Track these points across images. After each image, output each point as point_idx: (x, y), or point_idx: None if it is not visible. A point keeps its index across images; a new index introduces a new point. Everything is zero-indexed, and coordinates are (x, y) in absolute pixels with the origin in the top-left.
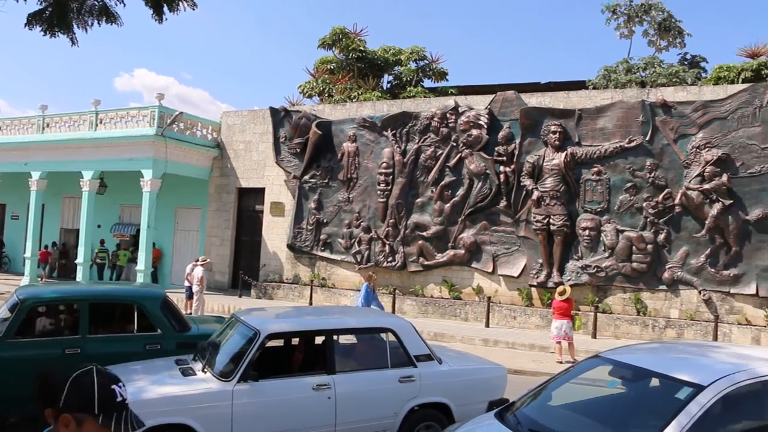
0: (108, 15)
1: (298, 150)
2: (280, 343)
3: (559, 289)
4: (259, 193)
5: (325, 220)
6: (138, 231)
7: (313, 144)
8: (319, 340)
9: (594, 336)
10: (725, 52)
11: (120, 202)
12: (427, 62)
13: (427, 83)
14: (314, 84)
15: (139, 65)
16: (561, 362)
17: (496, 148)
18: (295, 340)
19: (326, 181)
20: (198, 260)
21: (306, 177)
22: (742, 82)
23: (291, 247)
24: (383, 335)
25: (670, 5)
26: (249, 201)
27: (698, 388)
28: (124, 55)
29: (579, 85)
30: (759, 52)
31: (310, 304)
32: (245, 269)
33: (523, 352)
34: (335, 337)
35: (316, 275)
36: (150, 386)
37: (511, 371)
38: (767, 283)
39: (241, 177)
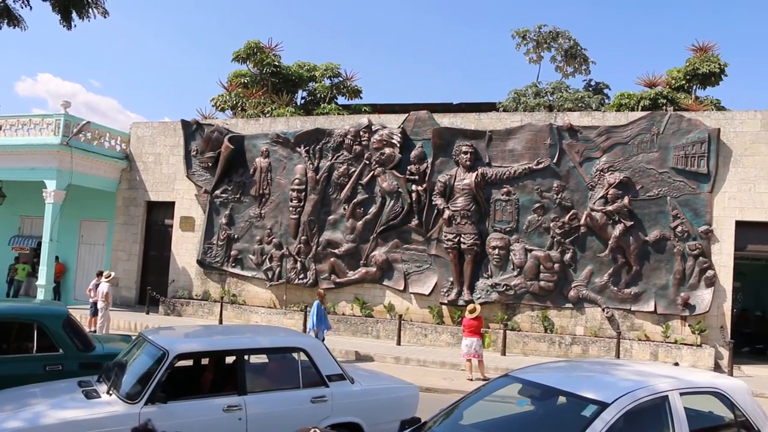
0: (10, 17)
1: (210, 164)
2: (189, 363)
3: (470, 307)
4: (169, 207)
5: (236, 236)
6: (39, 244)
7: (225, 158)
8: (229, 359)
9: (503, 353)
10: (626, 80)
11: (20, 213)
12: (341, 79)
13: (341, 100)
14: (227, 98)
15: (43, 70)
16: (471, 380)
17: (409, 167)
18: (205, 360)
19: (238, 196)
20: (101, 274)
21: (217, 192)
22: (641, 110)
23: (201, 262)
24: (295, 355)
25: (576, 34)
26: (158, 215)
27: (603, 406)
28: (28, 59)
29: (490, 107)
30: (656, 82)
31: (220, 321)
32: (153, 285)
33: (434, 369)
34: (246, 357)
35: (227, 292)
36: (50, 411)
37: (422, 389)
38: (664, 301)
39: (150, 190)
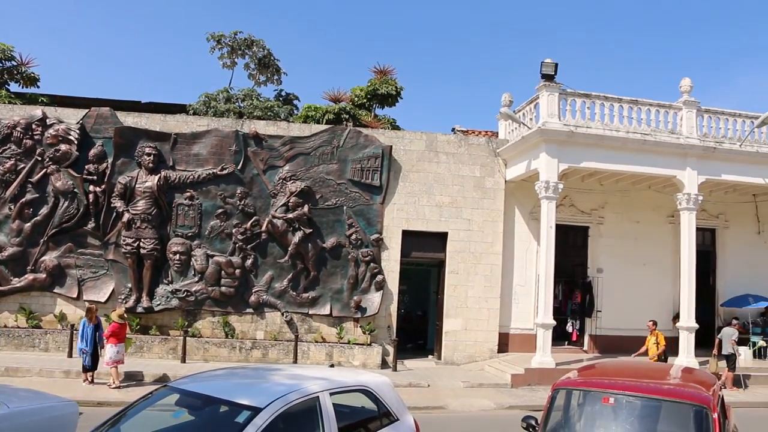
0: None
1: None
2: None
3: (119, 311)
4: None
5: None
6: None
7: None
8: None
9: (183, 360)
10: (314, 93)
11: None
12: (15, 64)
13: (14, 88)
14: None
15: None
16: (119, 387)
17: (87, 166)
18: None
19: None
20: None
21: None
22: (326, 123)
23: None
24: None
25: (270, 44)
26: None
27: (255, 411)
28: None
29: (180, 109)
30: (341, 97)
31: None
32: None
33: (108, 381)
34: None
35: None
36: None
37: (93, 404)
38: (339, 304)
39: None
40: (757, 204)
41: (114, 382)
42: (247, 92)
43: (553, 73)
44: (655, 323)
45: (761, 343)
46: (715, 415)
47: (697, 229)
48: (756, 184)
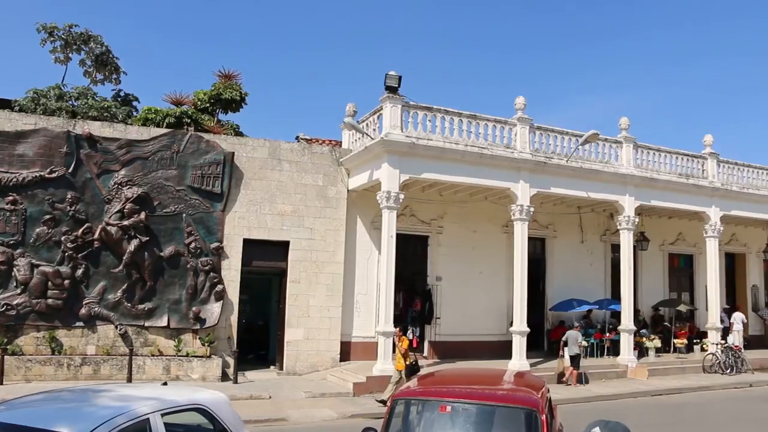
0: None
1: None
2: None
3: None
4: None
5: None
6: None
7: None
8: None
9: (0, 382)
10: (155, 95)
11: None
12: None
13: None
14: None
15: None
16: None
17: None
18: None
19: None
20: None
21: None
22: (167, 127)
23: None
24: None
25: (109, 41)
26: None
27: None
28: None
29: (4, 104)
30: (182, 101)
31: None
32: None
33: None
34: None
35: None
36: None
37: None
38: (177, 316)
39: None
40: (581, 215)
41: None
42: (81, 90)
43: (396, 85)
44: (401, 329)
45: (583, 343)
46: (543, 417)
47: (529, 238)
48: (580, 197)
